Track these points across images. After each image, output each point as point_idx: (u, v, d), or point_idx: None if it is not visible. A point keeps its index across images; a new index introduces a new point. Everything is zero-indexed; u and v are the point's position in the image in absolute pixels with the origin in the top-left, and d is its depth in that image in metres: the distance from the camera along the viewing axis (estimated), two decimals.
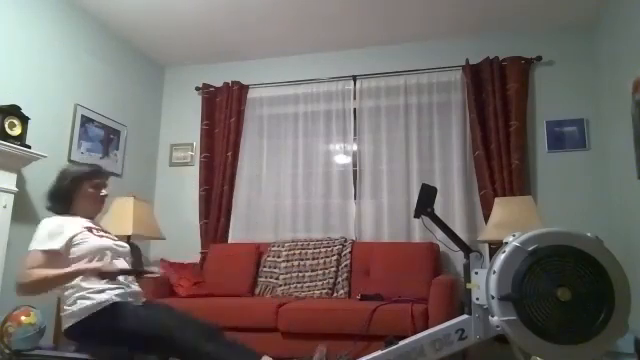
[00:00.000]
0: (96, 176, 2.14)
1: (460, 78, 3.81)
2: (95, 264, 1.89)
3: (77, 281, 1.90)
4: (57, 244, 1.90)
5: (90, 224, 2.09)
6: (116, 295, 1.92)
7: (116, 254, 2.05)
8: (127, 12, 3.64)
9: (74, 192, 2.08)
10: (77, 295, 1.88)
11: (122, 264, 2.04)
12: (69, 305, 1.89)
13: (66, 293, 1.91)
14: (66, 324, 1.89)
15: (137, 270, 2.08)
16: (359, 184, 3.89)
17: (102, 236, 2.05)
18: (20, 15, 3.11)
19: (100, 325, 1.85)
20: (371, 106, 3.99)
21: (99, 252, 1.97)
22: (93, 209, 2.15)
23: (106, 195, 2.19)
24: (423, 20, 3.71)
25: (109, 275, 1.87)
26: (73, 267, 1.87)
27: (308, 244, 3.63)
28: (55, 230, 1.94)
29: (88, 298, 1.87)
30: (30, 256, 1.87)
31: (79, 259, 1.93)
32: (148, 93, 4.42)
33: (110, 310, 1.87)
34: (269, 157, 4.13)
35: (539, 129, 3.67)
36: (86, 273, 1.86)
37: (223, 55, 4.32)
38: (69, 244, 1.93)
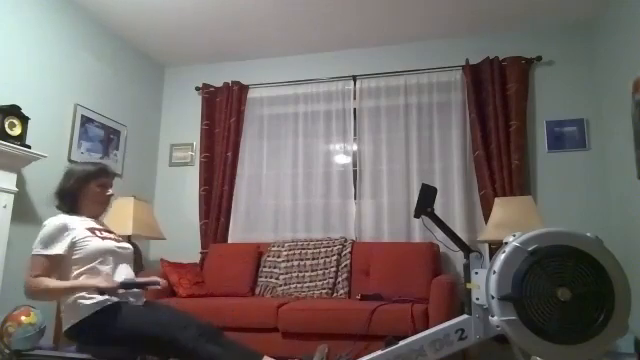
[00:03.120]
0: (102, 175, 2.14)
1: (460, 78, 3.81)
2: (95, 282, 1.89)
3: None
4: (60, 249, 1.92)
5: (94, 224, 2.09)
6: (116, 295, 1.92)
7: (119, 258, 2.04)
8: (127, 12, 3.64)
9: (80, 191, 2.08)
10: (77, 295, 1.88)
11: (125, 270, 2.04)
12: (69, 305, 1.89)
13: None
14: (66, 324, 1.89)
15: (138, 283, 2.07)
16: (359, 184, 3.89)
17: (105, 237, 2.05)
18: (20, 15, 3.11)
19: (100, 325, 1.85)
20: (371, 106, 3.99)
21: (101, 255, 1.97)
22: (98, 209, 2.16)
23: (112, 195, 2.19)
24: (423, 20, 3.71)
25: (109, 291, 1.89)
26: (75, 282, 1.90)
27: (308, 244, 3.63)
28: (57, 233, 1.94)
29: (88, 298, 1.87)
30: (35, 261, 1.89)
31: (82, 260, 1.94)
32: (148, 93, 4.42)
33: (110, 310, 1.87)
34: (269, 157, 4.13)
35: (539, 129, 3.68)
36: (85, 289, 1.88)
37: (223, 55, 4.32)
38: (72, 247, 1.94)
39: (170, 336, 1.79)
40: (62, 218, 2.01)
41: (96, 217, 2.16)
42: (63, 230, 1.95)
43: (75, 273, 1.93)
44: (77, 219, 2.04)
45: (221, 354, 1.78)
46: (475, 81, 3.71)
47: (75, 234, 1.96)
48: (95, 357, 1.90)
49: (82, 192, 2.09)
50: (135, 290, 2.04)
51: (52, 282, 1.87)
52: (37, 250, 1.91)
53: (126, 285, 1.97)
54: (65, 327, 1.90)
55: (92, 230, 2.03)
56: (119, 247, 2.07)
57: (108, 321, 1.85)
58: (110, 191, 2.17)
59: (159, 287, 2.09)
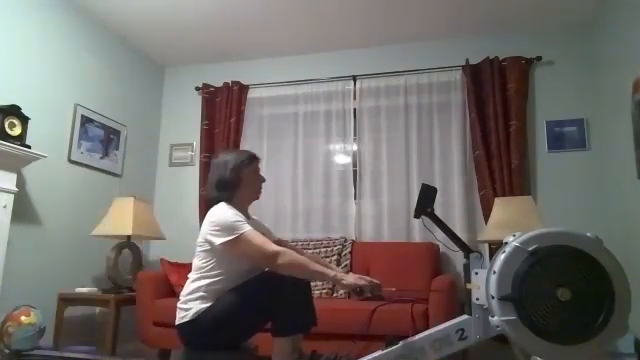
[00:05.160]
0: (254, 161, 2.17)
1: (460, 78, 3.81)
2: (357, 281, 1.89)
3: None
4: (247, 225, 1.96)
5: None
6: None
7: None
8: (127, 12, 3.64)
9: (238, 180, 2.09)
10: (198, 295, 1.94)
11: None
12: (192, 300, 1.94)
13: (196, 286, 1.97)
14: (188, 315, 1.92)
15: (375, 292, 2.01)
16: (359, 184, 3.89)
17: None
18: (20, 15, 3.11)
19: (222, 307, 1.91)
20: (371, 106, 3.99)
21: None
22: (256, 193, 2.18)
23: (264, 180, 2.21)
24: (423, 20, 3.71)
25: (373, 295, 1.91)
26: (338, 274, 1.90)
27: (308, 244, 3.63)
28: (237, 215, 1.98)
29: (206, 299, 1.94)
30: (253, 236, 1.91)
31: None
32: (148, 93, 4.42)
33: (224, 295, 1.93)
34: (269, 157, 4.13)
35: (539, 129, 3.67)
36: (350, 287, 1.89)
37: (223, 55, 4.32)
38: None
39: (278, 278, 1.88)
40: (233, 209, 2.02)
41: (249, 203, 2.18)
42: (235, 214, 1.98)
43: (228, 266, 1.96)
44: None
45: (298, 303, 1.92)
46: (475, 81, 3.71)
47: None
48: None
49: (240, 180, 2.10)
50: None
51: (308, 261, 1.90)
52: (245, 228, 1.92)
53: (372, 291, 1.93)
54: (181, 321, 1.93)
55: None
56: None
57: (225, 299, 1.91)
58: (263, 176, 2.20)
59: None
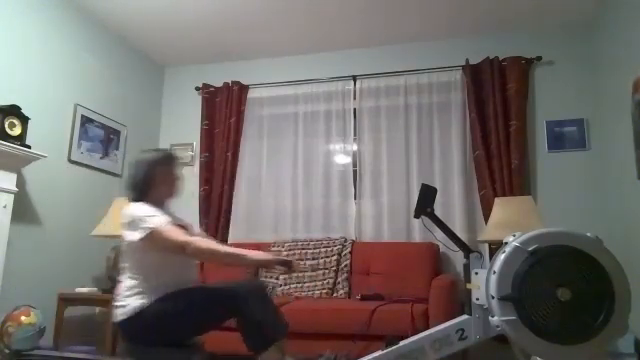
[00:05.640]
0: (169, 160, 2.18)
1: (460, 78, 3.81)
2: (266, 256, 1.96)
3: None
4: (168, 218, 1.98)
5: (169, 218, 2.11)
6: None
7: None
8: (127, 12, 3.64)
9: (151, 179, 2.10)
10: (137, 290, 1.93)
11: None
12: (128, 297, 1.93)
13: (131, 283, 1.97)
14: (125, 314, 1.92)
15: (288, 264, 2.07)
16: (359, 184, 3.89)
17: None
18: (20, 15, 3.11)
19: (165, 307, 1.90)
20: (371, 106, 3.99)
21: None
22: (171, 191, 2.18)
23: (179, 179, 2.22)
24: (423, 20, 3.71)
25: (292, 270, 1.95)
26: (247, 251, 1.92)
27: (308, 244, 3.63)
28: (154, 211, 1.99)
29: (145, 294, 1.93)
30: (166, 230, 1.91)
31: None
32: (148, 93, 4.42)
33: (171, 294, 1.93)
34: (269, 157, 4.13)
35: (539, 129, 3.67)
36: (273, 264, 1.93)
37: (223, 55, 4.32)
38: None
39: (233, 291, 1.90)
40: (146, 205, 2.03)
41: (165, 201, 2.18)
42: (156, 210, 2.00)
43: (152, 262, 1.96)
44: (157, 210, 2.05)
45: (264, 310, 1.91)
46: (475, 81, 3.71)
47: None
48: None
49: (153, 179, 2.10)
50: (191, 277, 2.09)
51: (216, 245, 1.93)
52: (155, 221, 1.92)
53: (284, 263, 1.97)
54: (120, 318, 1.92)
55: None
56: None
57: (176, 300, 1.91)
58: (178, 175, 2.21)
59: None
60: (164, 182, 2.14)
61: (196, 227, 4.05)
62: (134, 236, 1.93)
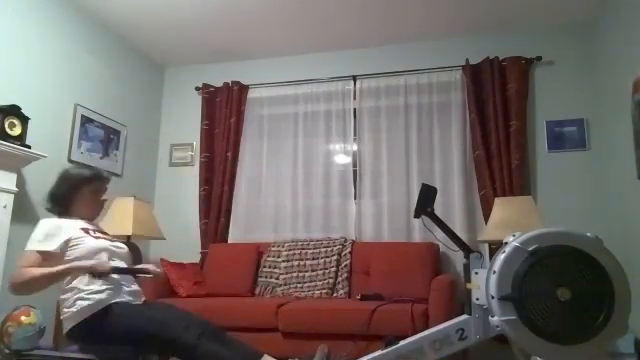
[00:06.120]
0: (96, 180, 2.13)
1: (460, 78, 3.81)
2: (87, 262, 1.88)
3: (75, 283, 1.90)
4: (53, 245, 1.91)
5: (87, 225, 2.09)
6: (115, 295, 1.92)
7: (113, 255, 2.04)
8: (127, 12, 3.64)
9: (73, 196, 2.08)
10: (76, 297, 1.88)
11: (119, 265, 2.03)
12: (68, 307, 1.88)
13: (64, 296, 1.91)
14: (67, 326, 1.89)
15: (131, 269, 2.06)
16: (359, 184, 3.89)
17: (99, 237, 2.05)
18: (20, 15, 3.11)
19: (101, 325, 1.85)
20: (371, 106, 3.99)
21: (95, 253, 1.97)
22: (91, 213, 2.15)
23: (105, 200, 2.18)
24: (423, 20, 3.71)
25: (102, 273, 1.87)
26: (67, 265, 1.86)
27: (308, 244, 3.63)
28: (52, 231, 1.94)
29: (87, 299, 1.87)
30: (25, 256, 1.88)
31: (76, 260, 1.93)
32: (148, 93, 4.42)
33: (110, 310, 1.87)
34: (269, 157, 4.13)
35: (539, 129, 3.67)
36: (78, 271, 1.86)
37: (223, 55, 4.32)
38: (64, 246, 1.93)
39: (171, 335, 1.79)
40: (56, 220, 2.01)
41: (89, 220, 2.15)
42: (57, 229, 1.96)
43: None
44: (70, 221, 2.04)
45: (223, 353, 1.78)
46: (475, 81, 3.71)
47: (68, 235, 1.95)
48: (98, 357, 1.90)
49: (75, 196, 2.08)
50: (134, 288, 2.03)
51: (38, 269, 1.82)
52: (30, 246, 1.90)
53: (119, 270, 1.95)
54: (66, 329, 1.89)
55: (86, 230, 2.03)
56: (113, 246, 2.07)
57: (108, 321, 1.85)
58: (104, 196, 2.17)
59: (151, 276, 2.07)
60: (87, 204, 2.10)
61: (196, 228, 4.06)
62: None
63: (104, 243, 2.03)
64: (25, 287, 1.81)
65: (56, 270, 1.83)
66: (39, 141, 3.05)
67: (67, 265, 1.86)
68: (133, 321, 1.85)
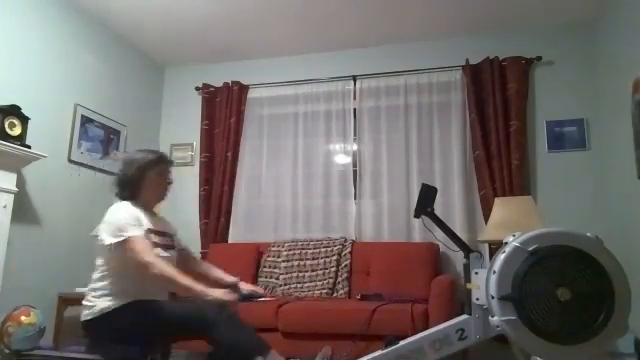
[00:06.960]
0: (162, 163, 2.15)
1: (460, 78, 3.81)
2: (218, 294, 1.90)
3: (107, 280, 1.94)
4: (141, 231, 1.95)
5: (151, 225, 2.06)
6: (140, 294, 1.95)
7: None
8: (127, 12, 3.64)
9: (141, 179, 2.08)
10: (103, 292, 1.91)
11: None
12: (94, 299, 1.91)
13: (94, 285, 1.94)
14: (86, 317, 1.90)
15: (251, 295, 2.14)
16: (359, 184, 3.89)
17: (157, 244, 2.03)
18: (20, 15, 3.11)
19: (125, 317, 1.88)
20: (371, 106, 3.99)
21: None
22: (158, 196, 2.17)
23: (171, 183, 2.21)
24: (423, 20, 3.71)
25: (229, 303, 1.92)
26: (198, 286, 1.88)
27: (308, 244, 3.63)
28: (136, 218, 1.97)
29: (114, 299, 1.90)
30: (138, 244, 1.88)
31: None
32: (148, 93, 4.42)
33: (140, 303, 1.91)
34: (269, 157, 4.13)
35: (539, 129, 3.67)
36: (211, 300, 1.87)
37: (223, 55, 4.32)
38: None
39: (200, 314, 1.85)
40: (132, 208, 2.01)
41: (154, 204, 2.17)
42: (138, 218, 1.98)
43: (120, 266, 1.93)
44: (142, 214, 2.03)
45: (239, 334, 1.86)
46: (475, 81, 3.71)
47: (145, 227, 1.99)
48: (104, 357, 1.90)
49: (142, 180, 2.08)
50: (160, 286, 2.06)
51: (178, 275, 1.86)
52: (131, 232, 1.90)
53: (243, 298, 2.01)
54: (85, 318, 1.91)
55: (149, 232, 2.01)
56: (165, 256, 2.05)
57: (140, 311, 1.89)
58: (170, 179, 2.19)
59: (266, 299, 2.18)
60: (155, 187, 2.12)
61: (196, 228, 4.05)
62: (107, 239, 1.91)
63: (158, 252, 2.01)
64: (161, 279, 1.86)
65: (194, 288, 1.86)
66: (39, 141, 3.04)
67: (206, 291, 1.87)
68: (165, 309, 1.92)
